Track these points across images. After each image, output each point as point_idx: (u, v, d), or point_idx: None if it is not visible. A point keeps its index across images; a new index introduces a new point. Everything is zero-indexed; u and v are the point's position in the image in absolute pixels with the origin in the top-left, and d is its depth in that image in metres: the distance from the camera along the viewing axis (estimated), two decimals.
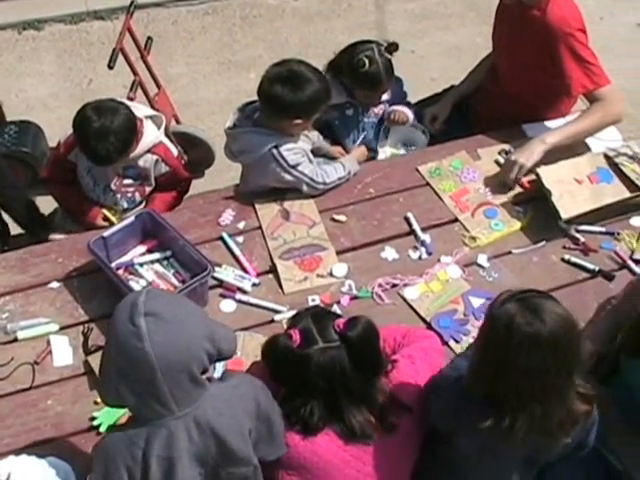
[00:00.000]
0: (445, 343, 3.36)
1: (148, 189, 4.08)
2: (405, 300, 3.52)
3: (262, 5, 6.47)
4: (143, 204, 4.12)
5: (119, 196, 4.05)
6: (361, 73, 4.12)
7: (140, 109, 3.99)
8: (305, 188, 3.84)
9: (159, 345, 2.35)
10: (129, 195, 4.06)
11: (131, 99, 4.48)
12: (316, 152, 4.12)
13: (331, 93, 3.85)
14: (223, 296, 3.52)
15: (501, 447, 2.69)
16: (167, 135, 4.24)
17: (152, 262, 3.57)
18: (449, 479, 2.92)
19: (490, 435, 2.63)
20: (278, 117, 3.70)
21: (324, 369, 2.66)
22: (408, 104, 4.47)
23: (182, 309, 2.49)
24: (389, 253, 3.69)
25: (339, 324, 2.69)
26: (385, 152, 4.32)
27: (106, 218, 4.08)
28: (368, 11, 6.45)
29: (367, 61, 4.09)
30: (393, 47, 4.20)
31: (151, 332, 2.34)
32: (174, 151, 4.09)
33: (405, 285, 3.56)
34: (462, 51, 5.87)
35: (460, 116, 4.53)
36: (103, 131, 3.66)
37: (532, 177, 3.91)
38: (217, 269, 3.54)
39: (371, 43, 4.19)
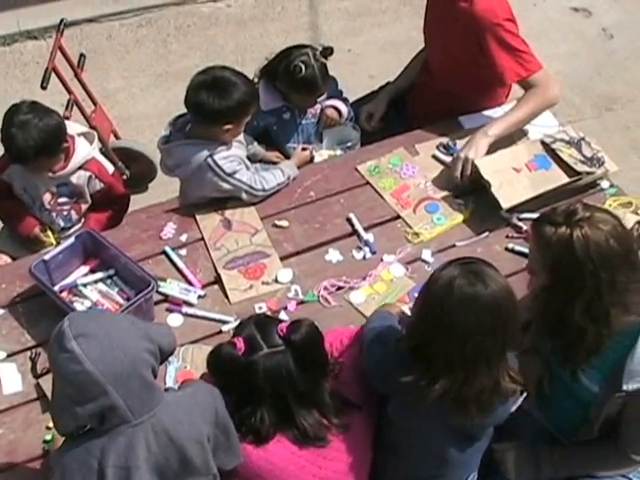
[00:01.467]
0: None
1: (84, 206, 4.07)
2: (352, 304, 3.54)
3: (195, 14, 6.46)
4: (81, 222, 4.10)
5: (55, 215, 4.04)
6: (298, 79, 4.15)
7: (72, 127, 3.99)
8: (244, 196, 3.84)
9: (98, 361, 2.35)
10: (65, 213, 4.05)
11: (67, 118, 4.46)
12: (252, 158, 4.15)
13: (257, 95, 3.89)
14: (170, 310, 3.51)
15: (422, 414, 2.77)
16: (104, 152, 4.23)
17: (96, 282, 3.55)
18: (390, 462, 2.99)
19: (409, 392, 2.71)
20: (208, 125, 3.71)
21: (271, 374, 2.68)
22: (344, 100, 4.48)
23: (107, 321, 2.48)
24: (333, 255, 3.70)
25: (282, 328, 2.72)
26: (322, 155, 4.32)
27: (45, 229, 4.07)
28: (302, 12, 6.46)
29: (303, 67, 4.12)
30: (328, 51, 4.24)
31: (85, 352, 2.34)
32: (109, 168, 4.07)
33: (350, 289, 3.58)
34: (399, 47, 5.90)
35: (397, 112, 4.56)
36: (28, 124, 3.67)
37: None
38: (162, 284, 3.54)
39: (305, 48, 4.22)
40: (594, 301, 2.75)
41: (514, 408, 3.04)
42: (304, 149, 4.23)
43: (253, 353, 2.69)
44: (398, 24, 6.38)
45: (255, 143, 4.27)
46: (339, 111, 4.44)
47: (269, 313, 3.46)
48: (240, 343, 2.70)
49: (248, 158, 4.00)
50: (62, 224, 4.08)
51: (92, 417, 2.41)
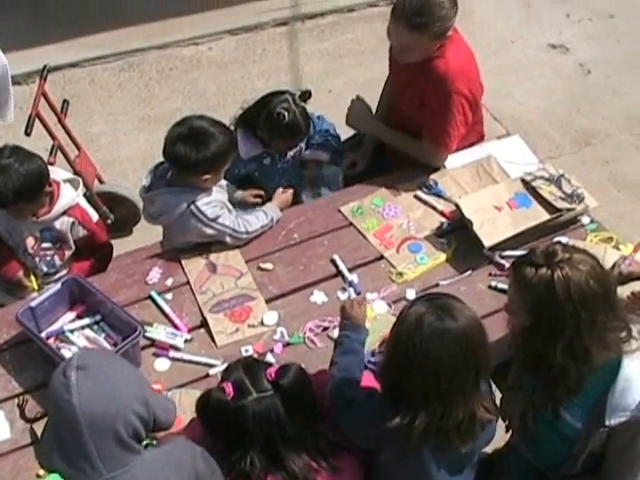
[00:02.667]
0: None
1: (68, 253, 4.07)
2: (331, 338, 3.57)
3: (177, 57, 6.51)
4: (66, 270, 4.11)
5: (38, 259, 4.04)
6: (282, 126, 4.18)
7: (58, 172, 4.01)
8: (228, 239, 3.88)
9: (85, 397, 2.38)
10: (48, 259, 4.05)
11: (51, 163, 4.47)
12: (234, 202, 4.18)
13: (234, 143, 3.94)
14: (157, 355, 3.53)
15: (413, 456, 2.82)
16: (89, 199, 4.24)
17: (82, 327, 3.57)
18: None
19: (396, 438, 2.75)
20: (187, 175, 3.76)
21: (260, 419, 2.70)
22: (326, 140, 4.54)
23: (115, 367, 2.52)
24: (318, 297, 3.73)
25: (271, 373, 2.74)
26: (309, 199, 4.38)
27: (28, 274, 4.07)
28: (283, 54, 6.53)
29: (286, 113, 4.16)
30: (306, 95, 4.29)
31: (79, 384, 2.37)
32: (93, 215, 4.08)
33: (335, 327, 3.60)
34: (378, 85, 5.92)
35: (381, 160, 4.59)
36: (9, 168, 3.67)
37: (452, 208, 4.00)
38: (148, 328, 3.56)
39: (283, 94, 4.26)
40: (574, 340, 2.79)
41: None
42: (284, 191, 4.26)
43: (242, 398, 2.71)
44: (377, 63, 6.38)
45: (239, 191, 4.31)
46: (320, 161, 4.51)
47: (256, 356, 3.49)
48: (229, 388, 2.72)
49: (232, 203, 4.04)
50: (45, 269, 4.08)
51: (65, 462, 2.43)
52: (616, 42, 6.93)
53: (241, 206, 4.22)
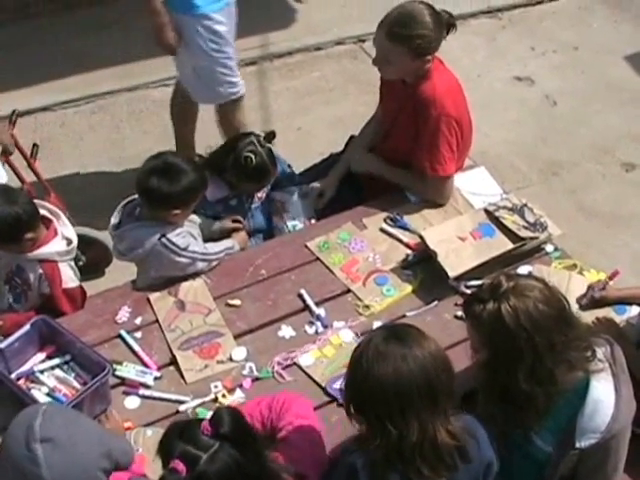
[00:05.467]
0: (340, 405, 3.42)
1: (31, 299, 4.00)
2: (300, 367, 3.63)
3: (147, 98, 6.57)
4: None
5: (7, 288, 4.00)
6: (250, 169, 4.25)
7: (66, 226, 4.02)
8: (200, 265, 3.95)
9: (56, 471, 2.37)
10: (18, 291, 4.00)
11: None
12: (213, 235, 4.23)
13: (207, 181, 3.99)
14: (127, 393, 3.55)
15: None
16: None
17: (52, 368, 3.58)
18: None
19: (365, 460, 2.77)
20: (157, 209, 3.83)
21: (222, 475, 2.62)
22: (292, 178, 4.62)
23: (78, 430, 2.51)
24: (286, 331, 3.78)
25: (206, 428, 2.64)
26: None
27: None
28: (252, 93, 6.55)
29: (253, 156, 4.22)
30: (271, 135, 4.36)
31: (47, 458, 2.36)
32: (67, 282, 3.97)
33: (302, 353, 3.68)
34: (346, 122, 6.03)
35: (349, 183, 4.66)
36: None
37: (417, 240, 4.06)
38: (118, 367, 3.58)
39: (248, 136, 4.33)
40: (536, 365, 2.83)
41: None
42: (236, 228, 4.35)
43: (196, 466, 2.59)
44: (345, 101, 6.54)
45: (217, 223, 4.37)
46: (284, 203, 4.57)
47: (225, 392, 3.53)
48: (179, 465, 2.60)
49: (211, 238, 4.16)
50: (11, 300, 4.02)
51: None
52: (580, 74, 7.04)
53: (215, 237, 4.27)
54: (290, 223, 4.49)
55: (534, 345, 2.80)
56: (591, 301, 3.83)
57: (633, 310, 3.80)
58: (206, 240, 4.16)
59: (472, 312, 2.91)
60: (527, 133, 6.49)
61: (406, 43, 3.97)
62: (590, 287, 3.84)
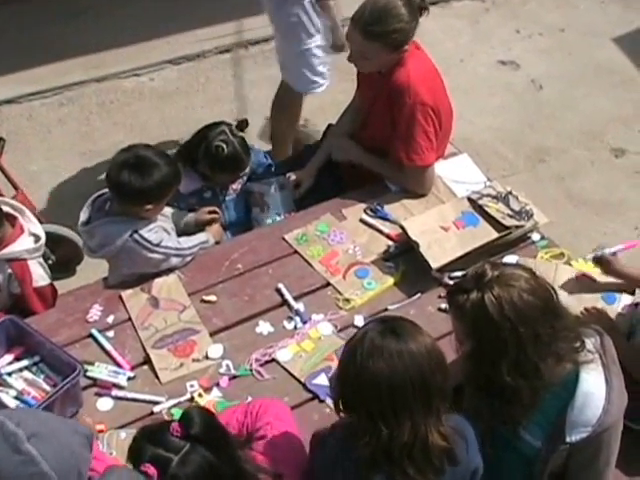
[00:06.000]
0: (321, 401, 3.50)
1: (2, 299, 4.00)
2: (279, 363, 3.64)
3: (118, 89, 6.56)
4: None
5: None
6: (222, 159, 4.28)
7: (33, 223, 4.01)
8: (175, 261, 3.97)
9: (54, 462, 2.36)
10: None
11: None
12: (187, 228, 4.25)
13: (180, 175, 3.99)
14: (99, 394, 3.56)
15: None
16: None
17: (20, 370, 3.57)
18: None
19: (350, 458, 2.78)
20: (129, 204, 3.83)
21: (195, 477, 2.62)
22: (268, 169, 4.62)
23: (47, 419, 2.51)
24: (264, 327, 3.79)
25: (175, 429, 2.64)
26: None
27: None
28: (227, 82, 6.59)
29: (224, 146, 4.24)
30: (244, 124, 4.38)
31: (42, 452, 2.35)
32: (37, 280, 3.96)
33: (280, 348, 3.70)
34: (326, 111, 6.04)
35: (328, 172, 4.68)
36: None
37: (399, 231, 4.08)
38: (89, 367, 3.59)
39: (220, 125, 4.34)
40: (520, 358, 2.84)
41: None
42: (212, 220, 4.35)
43: (167, 469, 2.59)
44: (325, 89, 6.50)
45: (191, 214, 4.37)
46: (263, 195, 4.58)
47: (201, 391, 3.54)
48: (150, 469, 2.59)
49: (184, 232, 4.16)
50: None
51: None
52: (567, 56, 7.06)
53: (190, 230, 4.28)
54: (270, 216, 4.52)
55: (518, 336, 2.81)
56: (598, 259, 3.83)
57: (623, 300, 3.83)
58: (181, 233, 4.18)
59: (455, 302, 2.92)
60: (512, 119, 6.50)
61: (383, 39, 4.00)
62: (602, 246, 3.84)
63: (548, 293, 2.92)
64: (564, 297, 3.78)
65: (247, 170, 4.53)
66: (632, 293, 3.84)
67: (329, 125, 4.89)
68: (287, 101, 5.45)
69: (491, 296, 2.81)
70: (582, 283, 3.90)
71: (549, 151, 6.27)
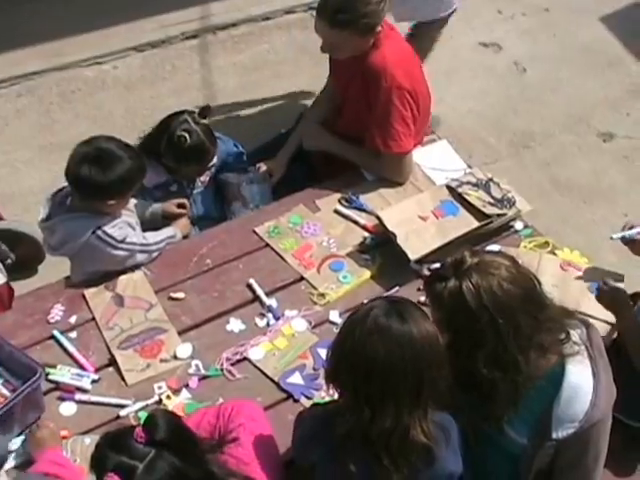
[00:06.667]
0: (296, 401, 3.52)
1: None
2: (250, 362, 3.66)
3: (80, 79, 6.53)
4: None
5: None
6: (186, 149, 4.27)
7: None
8: (140, 257, 3.97)
9: None
10: None
11: None
12: (154, 218, 4.27)
13: (145, 168, 3.98)
14: (62, 399, 3.55)
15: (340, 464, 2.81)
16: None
17: None
18: None
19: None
20: (90, 199, 3.82)
21: None
22: (239, 158, 4.63)
23: None
24: (235, 325, 3.80)
25: (139, 435, 2.63)
26: None
27: None
28: (194, 70, 6.59)
29: (187, 135, 4.24)
30: (207, 110, 4.38)
31: None
32: None
33: (251, 346, 3.70)
34: (299, 98, 6.07)
35: (300, 161, 4.71)
36: None
37: (375, 221, 4.10)
38: (51, 371, 3.58)
39: (182, 114, 4.34)
40: (499, 350, 2.85)
41: None
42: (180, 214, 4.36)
43: (132, 478, 2.58)
44: (297, 74, 6.53)
45: (157, 204, 4.38)
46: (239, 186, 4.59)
47: (169, 393, 3.55)
48: (114, 479, 2.58)
49: (148, 223, 4.18)
50: None
51: None
52: (552, 37, 7.10)
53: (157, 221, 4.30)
54: (250, 210, 4.53)
55: (497, 327, 2.82)
56: (626, 241, 3.83)
57: None
58: (147, 224, 4.19)
59: (433, 291, 2.93)
60: (495, 103, 6.54)
61: (352, 26, 4.01)
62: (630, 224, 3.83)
63: (530, 282, 2.93)
64: (548, 287, 3.82)
65: (215, 161, 4.52)
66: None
67: (302, 112, 4.90)
68: (428, 44, 5.54)
69: (469, 284, 2.82)
70: (567, 273, 3.93)
71: (534, 136, 6.30)
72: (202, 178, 4.51)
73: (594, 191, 5.94)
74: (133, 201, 4.16)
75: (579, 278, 3.93)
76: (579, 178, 6.03)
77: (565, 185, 5.96)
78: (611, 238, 3.81)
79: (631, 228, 3.80)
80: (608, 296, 3.58)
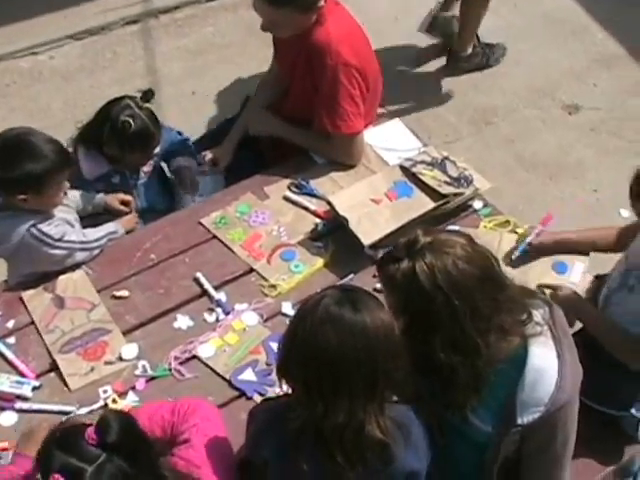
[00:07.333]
0: (249, 399, 3.53)
1: None
2: (200, 360, 3.67)
3: (14, 71, 6.51)
4: None
5: None
6: (130, 136, 4.25)
7: None
8: (80, 255, 3.97)
9: None
10: None
11: None
12: (93, 210, 4.29)
13: (69, 164, 3.95)
14: (1, 408, 3.54)
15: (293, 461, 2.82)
16: None
17: None
18: None
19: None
20: (3, 194, 3.84)
21: None
22: (185, 144, 4.65)
23: None
24: (182, 322, 3.81)
25: (90, 436, 2.61)
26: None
27: None
28: (137, 56, 6.57)
29: (131, 120, 4.22)
30: (149, 94, 4.38)
31: None
32: None
33: (200, 343, 3.71)
34: (248, 82, 6.06)
35: (248, 148, 4.73)
36: None
37: (326, 207, 4.13)
38: None
39: (122, 100, 4.33)
40: (456, 333, 2.85)
41: None
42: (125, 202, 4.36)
43: None
44: (245, 57, 6.52)
45: (99, 195, 4.37)
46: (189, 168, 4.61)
47: (115, 396, 3.55)
48: None
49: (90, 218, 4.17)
50: None
51: None
52: (513, 8, 7.12)
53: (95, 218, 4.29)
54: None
55: (453, 309, 2.81)
56: (531, 249, 3.93)
57: (575, 269, 3.90)
58: (89, 217, 4.20)
59: (386, 273, 2.92)
60: (454, 79, 6.55)
61: (291, 2, 4.03)
62: (520, 239, 3.93)
63: (487, 261, 2.93)
64: (509, 267, 3.87)
65: (158, 150, 4.51)
66: (586, 254, 3.95)
67: (247, 97, 4.91)
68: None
69: (423, 265, 2.81)
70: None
71: (496, 112, 6.33)
72: (145, 168, 4.50)
73: (561, 167, 5.98)
74: (75, 193, 4.15)
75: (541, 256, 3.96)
76: (545, 154, 6.07)
77: (530, 162, 6.00)
78: (511, 260, 3.94)
79: (523, 241, 3.95)
80: (562, 305, 3.61)
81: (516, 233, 4.07)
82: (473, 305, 2.83)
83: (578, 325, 3.63)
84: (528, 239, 3.92)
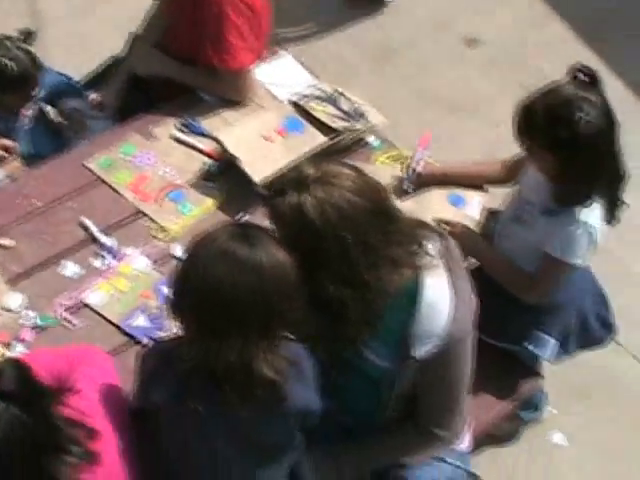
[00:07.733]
0: (140, 344, 3.56)
1: None
2: (90, 307, 3.66)
3: None
4: None
5: None
6: (12, 77, 4.20)
7: None
8: None
9: None
10: None
11: None
12: None
13: None
14: None
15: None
16: None
17: None
18: None
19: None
20: None
21: (7, 442, 2.56)
22: (71, 85, 4.63)
23: None
24: (70, 269, 3.80)
25: None
26: None
27: None
28: None
29: (13, 63, 4.18)
30: (32, 36, 4.30)
31: None
32: None
33: (89, 291, 3.71)
34: (136, 22, 5.97)
35: (138, 89, 4.69)
36: None
37: (216, 146, 4.13)
38: None
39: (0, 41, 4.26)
40: (346, 267, 2.87)
41: None
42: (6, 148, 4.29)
43: None
44: None
45: None
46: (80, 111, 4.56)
47: (1, 348, 3.52)
48: None
49: None
50: None
51: None
52: None
53: None
54: None
55: (343, 243, 2.83)
56: (418, 179, 3.99)
57: (469, 202, 3.97)
58: None
59: (274, 207, 2.92)
60: (350, 15, 6.52)
61: None
62: (408, 166, 3.97)
63: (378, 194, 2.95)
64: (408, 202, 3.92)
65: (41, 93, 4.46)
66: (480, 187, 4.02)
67: (135, 35, 4.86)
68: None
69: (310, 197, 2.82)
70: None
71: (394, 48, 6.33)
72: (27, 112, 4.44)
73: (461, 101, 6.03)
74: None
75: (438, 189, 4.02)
76: (445, 89, 6.10)
77: (430, 97, 6.03)
78: (406, 192, 4.02)
79: (408, 167, 4.04)
80: (458, 241, 3.65)
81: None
82: (363, 239, 2.85)
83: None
84: (413, 165, 3.97)
